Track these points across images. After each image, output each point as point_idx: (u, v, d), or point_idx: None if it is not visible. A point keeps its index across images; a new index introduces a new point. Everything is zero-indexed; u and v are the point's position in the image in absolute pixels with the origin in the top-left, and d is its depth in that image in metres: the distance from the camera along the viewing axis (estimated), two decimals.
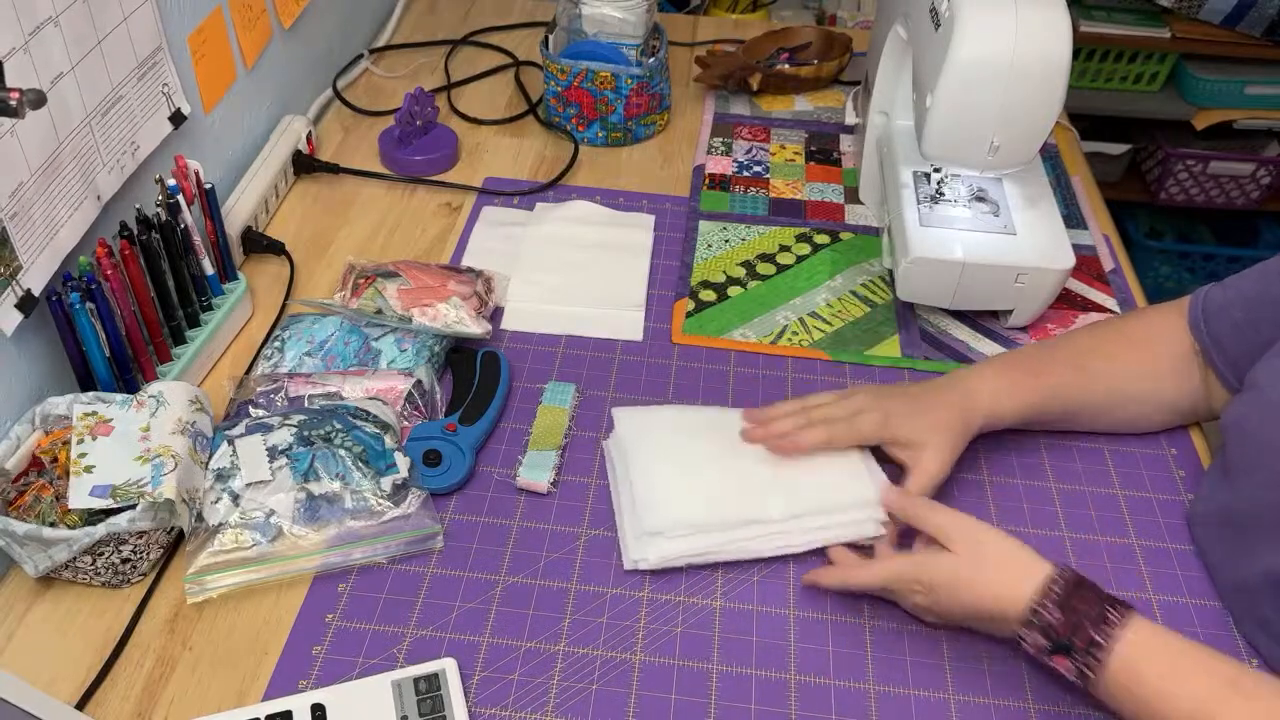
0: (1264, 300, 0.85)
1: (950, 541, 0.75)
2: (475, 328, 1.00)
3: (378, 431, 0.88)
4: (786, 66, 1.43)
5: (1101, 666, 0.68)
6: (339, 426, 0.87)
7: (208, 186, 0.99)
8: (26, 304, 0.83)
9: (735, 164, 1.31)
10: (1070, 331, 1.00)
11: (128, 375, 0.91)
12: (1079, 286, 1.13)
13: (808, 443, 0.87)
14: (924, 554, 0.78)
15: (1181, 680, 0.67)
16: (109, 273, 0.87)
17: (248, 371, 0.99)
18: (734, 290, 1.12)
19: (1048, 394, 0.90)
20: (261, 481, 0.84)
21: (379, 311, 1.01)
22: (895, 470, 0.88)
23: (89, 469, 0.80)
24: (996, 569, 0.73)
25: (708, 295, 1.11)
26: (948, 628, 0.80)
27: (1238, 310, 0.87)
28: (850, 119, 1.39)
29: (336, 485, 0.85)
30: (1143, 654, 0.68)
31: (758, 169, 1.30)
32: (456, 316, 1.00)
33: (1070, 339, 0.96)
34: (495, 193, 1.25)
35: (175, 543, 0.85)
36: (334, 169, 1.26)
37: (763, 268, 1.15)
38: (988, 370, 0.92)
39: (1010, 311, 1.06)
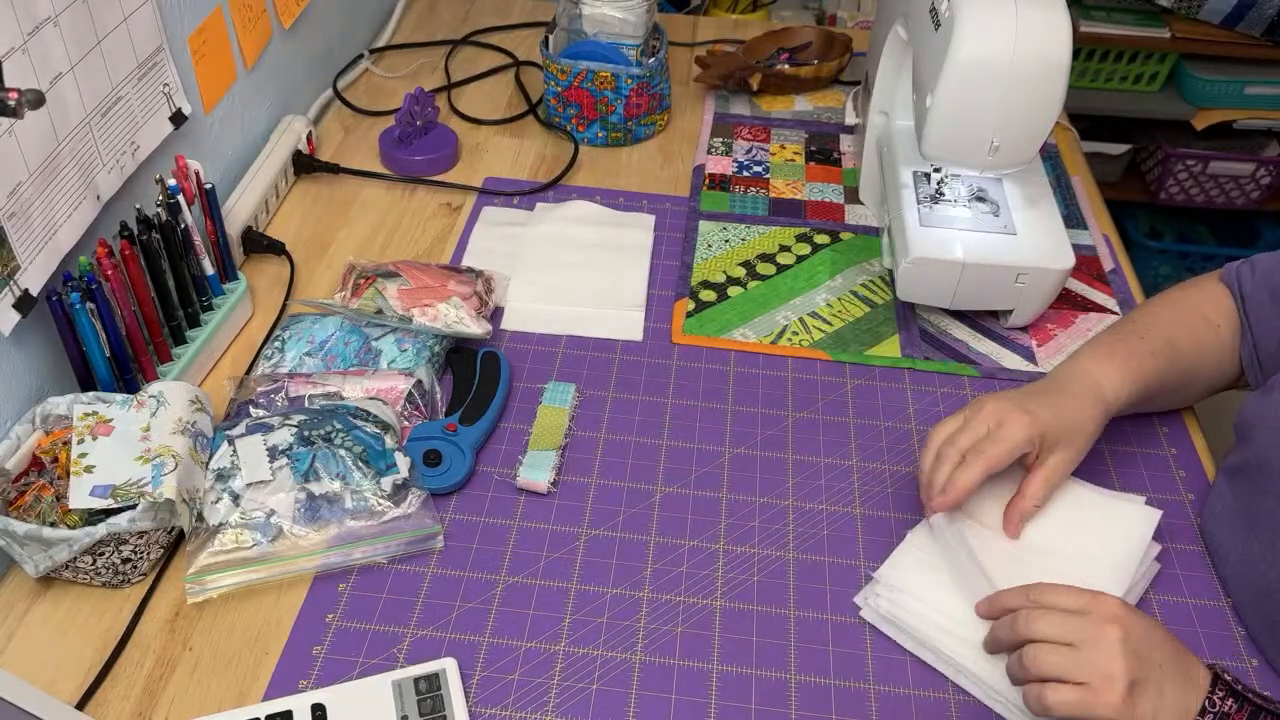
0: None
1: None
2: (475, 328, 1.00)
3: (378, 431, 0.89)
4: (786, 66, 1.43)
5: None
6: (339, 426, 0.87)
7: (208, 186, 0.99)
8: (24, 304, 0.83)
9: (735, 164, 1.31)
10: (1146, 308, 0.95)
11: (128, 375, 0.91)
12: (1079, 286, 1.13)
13: (970, 482, 0.80)
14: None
15: None
16: (109, 273, 0.87)
17: (248, 371, 0.99)
18: (734, 290, 1.12)
19: (1151, 377, 0.88)
20: (262, 481, 0.84)
21: (379, 311, 1.01)
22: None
23: (89, 469, 0.80)
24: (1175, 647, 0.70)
25: (708, 295, 1.11)
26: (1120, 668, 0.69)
27: (1264, 292, 0.89)
28: (850, 119, 1.39)
29: (337, 485, 0.85)
30: None
31: (758, 169, 1.30)
32: (456, 316, 1.00)
33: (1152, 317, 0.92)
34: (495, 193, 1.25)
35: (175, 543, 0.85)
36: (334, 169, 1.26)
37: (763, 268, 1.15)
38: (1102, 358, 0.88)
39: (1010, 311, 1.06)
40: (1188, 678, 0.68)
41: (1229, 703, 0.67)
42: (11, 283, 0.82)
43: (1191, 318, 0.92)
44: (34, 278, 0.85)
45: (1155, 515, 0.85)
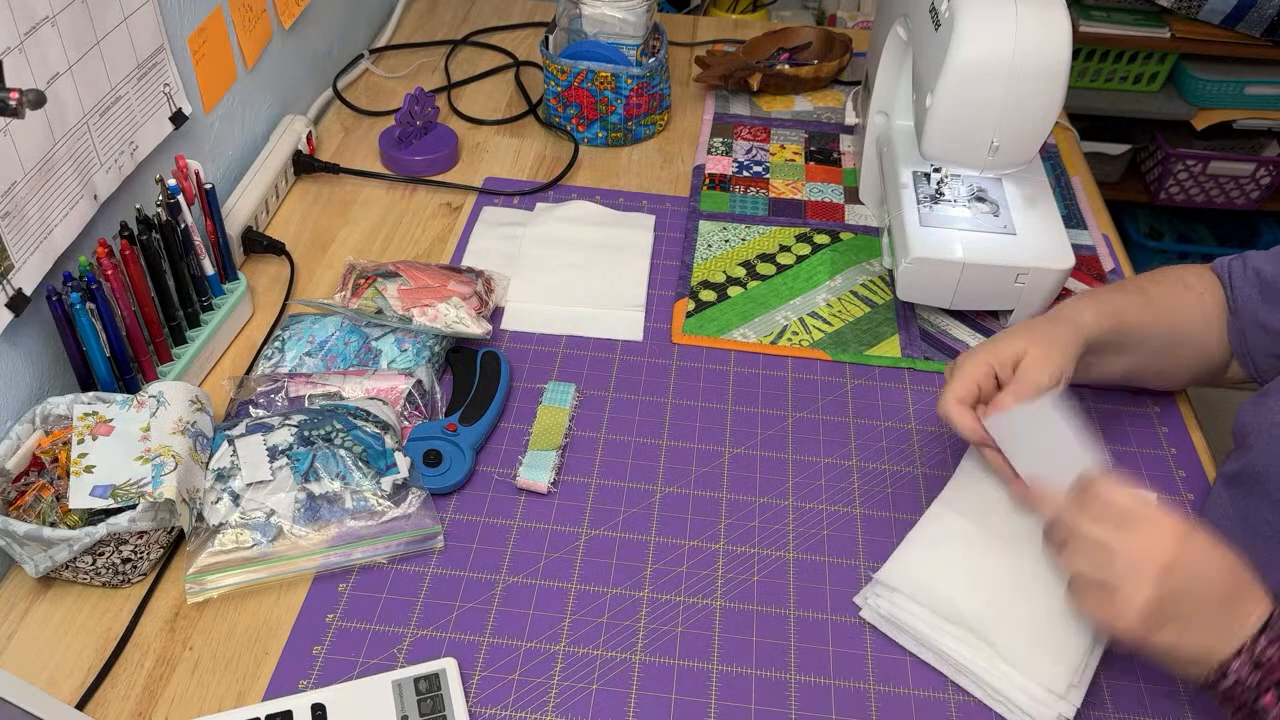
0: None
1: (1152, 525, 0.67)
2: (475, 328, 1.00)
3: (378, 431, 0.89)
4: (786, 66, 1.43)
5: None
6: (339, 426, 0.87)
7: (208, 186, 0.99)
8: (18, 303, 0.83)
9: (735, 164, 1.31)
10: (1133, 276, 0.97)
11: (128, 375, 0.91)
12: (1079, 286, 1.13)
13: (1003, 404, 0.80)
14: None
15: None
16: (109, 273, 0.87)
17: (248, 371, 0.99)
18: (734, 290, 1.12)
19: (1127, 313, 0.88)
20: (262, 481, 0.84)
21: (379, 311, 1.01)
22: None
23: (89, 469, 0.80)
24: (1232, 570, 0.66)
25: (708, 295, 1.11)
26: (1142, 629, 0.67)
27: (1253, 286, 0.89)
28: (850, 119, 1.39)
29: (337, 485, 0.85)
30: None
31: (758, 169, 1.30)
32: (456, 316, 1.00)
33: (1135, 279, 0.94)
34: (495, 193, 1.25)
35: (175, 543, 0.85)
36: (334, 169, 1.26)
37: (763, 268, 1.15)
38: (1073, 299, 0.89)
39: (1010, 311, 1.06)
40: (1232, 618, 0.65)
41: (1273, 650, 0.64)
42: (5, 282, 0.82)
43: (1168, 279, 0.93)
44: (28, 277, 0.85)
45: None
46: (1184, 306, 0.91)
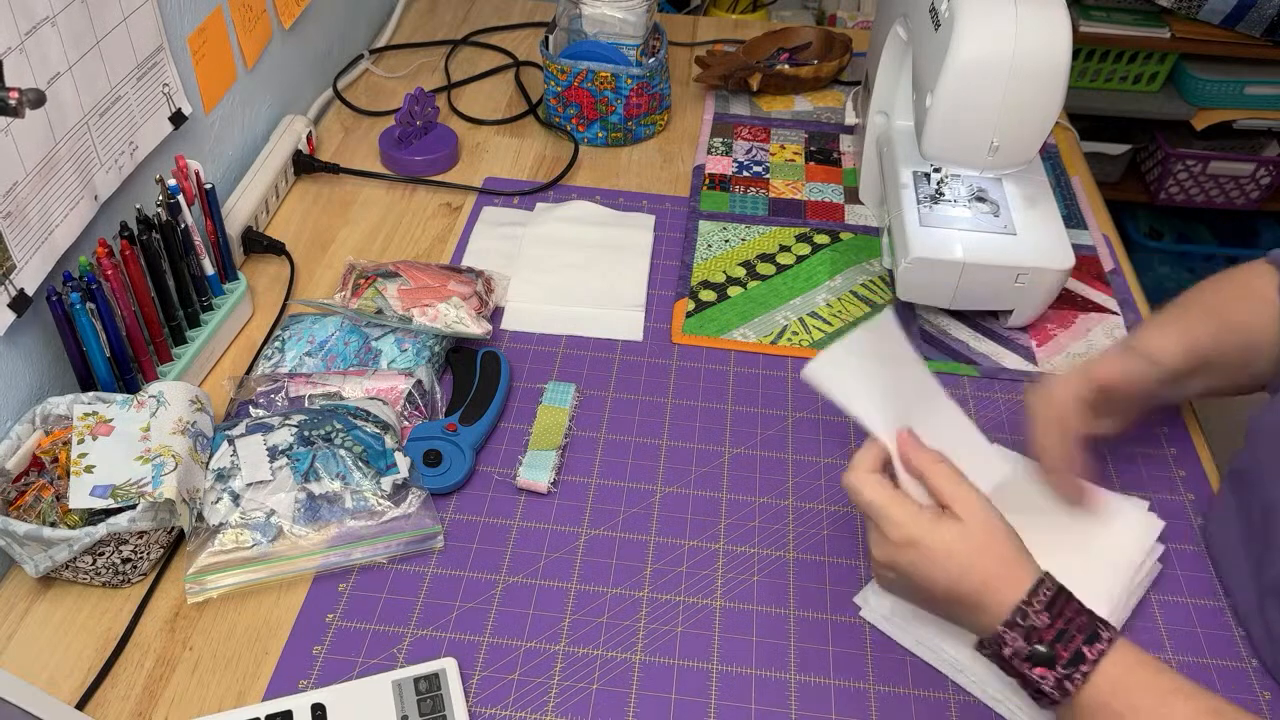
0: None
1: (959, 510, 0.70)
2: (475, 328, 1.00)
3: (378, 431, 0.89)
4: (786, 66, 1.43)
5: (1083, 684, 0.65)
6: (339, 426, 0.87)
7: (208, 186, 0.99)
8: (20, 304, 0.83)
9: (735, 164, 1.31)
10: (1195, 288, 0.94)
11: (128, 375, 0.91)
12: (1079, 286, 1.13)
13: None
14: (932, 511, 0.71)
15: (1167, 706, 0.64)
16: (109, 273, 0.87)
17: (248, 371, 0.99)
18: (734, 290, 1.12)
19: (1201, 336, 0.86)
20: (262, 481, 0.84)
21: (379, 311, 1.01)
22: None
23: (89, 469, 0.80)
24: (993, 557, 0.69)
25: (708, 295, 1.11)
26: (887, 590, 0.75)
27: None
28: (850, 119, 1.39)
29: (337, 485, 0.85)
30: (1130, 677, 0.65)
31: (758, 169, 1.30)
32: (456, 316, 1.00)
33: (1201, 295, 0.91)
34: (495, 193, 1.25)
35: (175, 543, 0.85)
36: (334, 169, 1.26)
37: (763, 268, 1.15)
38: (1140, 330, 0.89)
39: (1010, 311, 1.06)
40: (980, 607, 0.69)
41: (1041, 618, 0.67)
42: (7, 282, 0.82)
43: (1232, 287, 0.90)
44: (30, 277, 0.85)
45: (1158, 525, 0.85)
46: (1260, 322, 0.88)
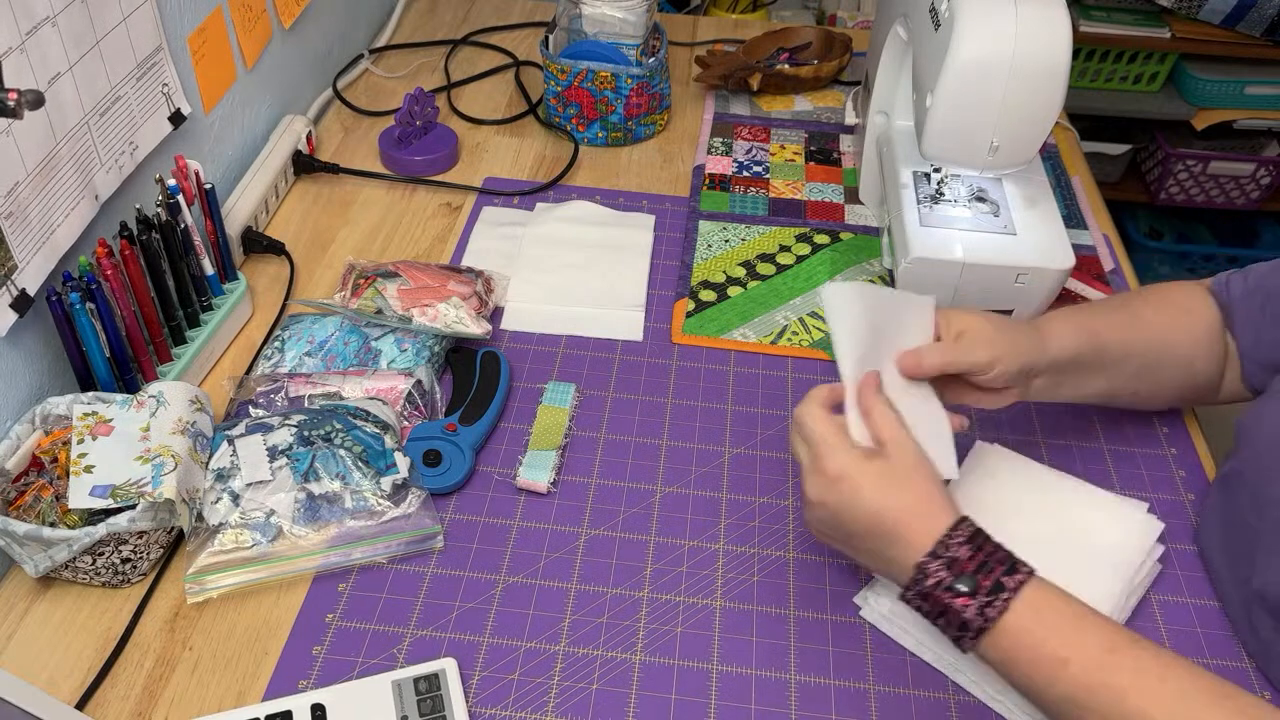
0: None
1: (889, 450, 0.72)
2: (475, 328, 1.00)
3: (378, 431, 0.89)
4: (786, 66, 1.43)
5: (1003, 612, 0.66)
6: (339, 426, 0.87)
7: (208, 186, 0.99)
8: (21, 304, 0.83)
9: (735, 164, 1.31)
10: (1122, 293, 0.96)
11: (128, 375, 0.91)
12: (1079, 286, 1.13)
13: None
14: (866, 450, 0.73)
15: (1085, 627, 0.66)
16: (109, 273, 0.87)
17: (248, 371, 0.99)
18: (734, 290, 1.12)
19: (1103, 329, 0.86)
20: (261, 481, 0.84)
21: (379, 311, 1.01)
22: None
23: (89, 469, 0.80)
24: (916, 494, 0.71)
25: (708, 295, 1.11)
26: (819, 536, 0.76)
27: (1259, 297, 0.87)
28: (850, 119, 1.39)
29: (336, 485, 0.85)
30: (1047, 603, 0.67)
31: (758, 169, 1.30)
32: (456, 316, 1.00)
33: (1117, 294, 0.93)
34: (495, 193, 1.25)
35: (175, 543, 0.85)
36: (334, 169, 1.26)
37: (763, 268, 1.15)
38: (1053, 311, 0.89)
39: (1010, 312, 1.06)
40: (901, 543, 0.70)
41: (962, 550, 0.69)
42: (9, 283, 0.82)
43: (1157, 297, 0.91)
44: (31, 278, 0.85)
45: (1158, 526, 0.85)
46: (1171, 327, 0.89)
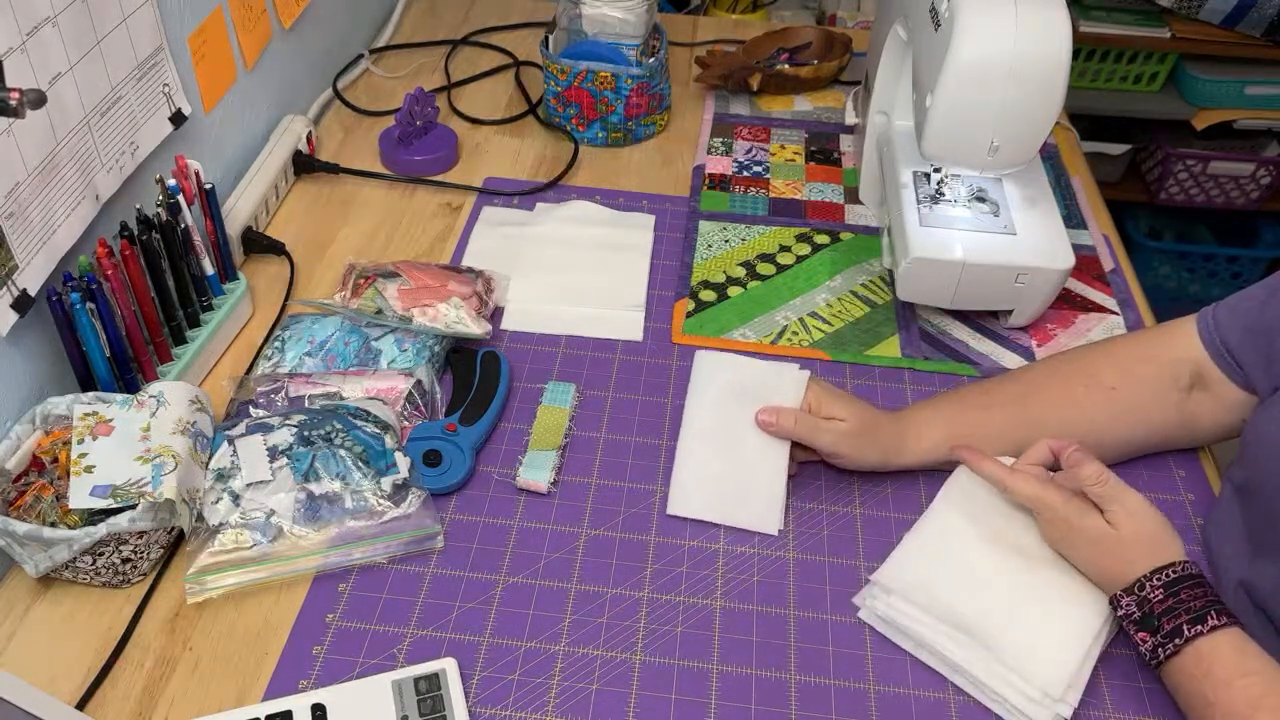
0: (1272, 307, 0.84)
1: (1110, 512, 0.77)
2: (475, 328, 1.00)
3: (378, 431, 0.89)
4: (786, 66, 1.43)
5: (1174, 655, 0.72)
6: (339, 426, 0.87)
7: (208, 186, 0.99)
8: (22, 304, 0.83)
9: (735, 164, 1.31)
10: (1034, 363, 0.99)
11: (128, 375, 0.91)
12: (1079, 286, 1.13)
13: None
14: (1082, 505, 0.78)
15: (1237, 683, 0.69)
16: (109, 273, 0.87)
17: (248, 371, 0.99)
18: (734, 290, 1.12)
19: (978, 434, 0.87)
20: (262, 481, 0.84)
21: (379, 311, 1.01)
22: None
23: (89, 469, 0.80)
24: (1135, 544, 0.76)
25: (708, 295, 1.11)
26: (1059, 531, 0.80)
27: (1245, 319, 0.85)
28: (850, 119, 1.39)
29: (337, 485, 0.85)
30: (1218, 652, 0.70)
31: (758, 169, 1.30)
32: (456, 316, 1.00)
33: (1021, 374, 0.93)
34: (495, 193, 1.25)
35: (175, 543, 0.85)
36: (334, 169, 1.26)
37: (763, 268, 1.15)
38: (928, 403, 0.92)
39: (1010, 311, 1.06)
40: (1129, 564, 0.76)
41: (1156, 594, 0.74)
42: (10, 283, 0.82)
43: (1066, 376, 0.90)
44: (32, 278, 0.85)
45: None
46: (1073, 416, 0.88)
